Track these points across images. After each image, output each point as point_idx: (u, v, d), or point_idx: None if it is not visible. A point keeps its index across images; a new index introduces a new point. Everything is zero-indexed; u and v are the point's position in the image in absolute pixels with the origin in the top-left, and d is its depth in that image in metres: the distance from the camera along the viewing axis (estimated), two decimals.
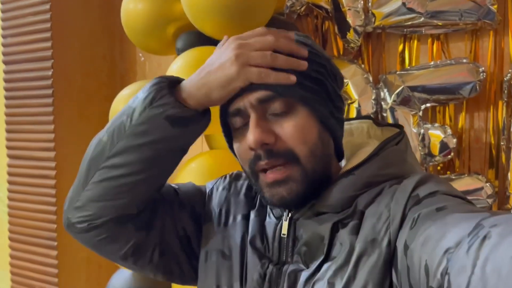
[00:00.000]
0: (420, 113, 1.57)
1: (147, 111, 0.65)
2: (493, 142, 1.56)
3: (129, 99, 0.72)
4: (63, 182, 2.04)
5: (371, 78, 1.63)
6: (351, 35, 1.64)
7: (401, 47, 1.66)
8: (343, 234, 0.62)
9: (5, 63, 2.18)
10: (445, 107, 1.61)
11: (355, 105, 1.61)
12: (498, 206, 1.54)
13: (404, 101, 1.56)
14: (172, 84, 0.67)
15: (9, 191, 2.20)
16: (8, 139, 2.20)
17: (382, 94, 1.60)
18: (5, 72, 2.18)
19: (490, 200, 1.48)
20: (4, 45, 2.19)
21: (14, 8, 2.13)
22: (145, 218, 0.72)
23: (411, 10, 1.55)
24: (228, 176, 0.81)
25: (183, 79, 0.69)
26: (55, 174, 2.04)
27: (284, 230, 0.68)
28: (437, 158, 1.54)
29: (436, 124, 1.57)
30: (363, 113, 1.60)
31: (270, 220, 0.71)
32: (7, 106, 2.19)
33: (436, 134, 1.54)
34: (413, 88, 1.55)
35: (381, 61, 1.70)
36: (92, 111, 2.15)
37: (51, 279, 2.07)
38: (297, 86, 0.62)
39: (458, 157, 1.60)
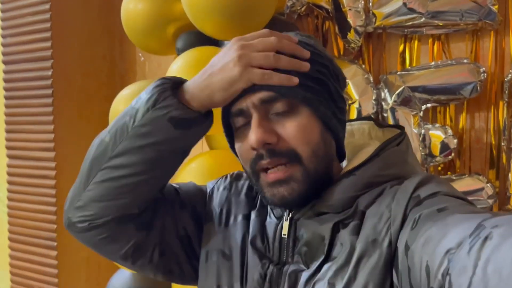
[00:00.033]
0: (421, 114, 1.57)
1: (150, 112, 0.65)
2: (493, 142, 1.56)
3: (129, 99, 0.72)
4: (63, 182, 2.04)
5: (371, 79, 1.62)
6: (351, 35, 1.63)
7: (401, 47, 1.65)
8: (344, 235, 0.62)
9: (5, 63, 2.18)
10: (445, 108, 1.61)
11: (356, 105, 1.61)
12: (498, 206, 1.53)
13: (405, 101, 1.56)
14: (175, 86, 0.67)
15: (9, 191, 2.20)
16: (7, 139, 2.19)
17: (382, 94, 1.60)
18: (5, 72, 2.18)
19: (490, 201, 1.48)
20: (3, 45, 2.18)
21: (14, 8, 2.12)
22: (146, 218, 0.72)
23: (411, 10, 1.55)
24: (229, 176, 0.81)
25: (186, 80, 0.69)
26: (55, 174, 2.04)
27: (285, 230, 0.68)
28: (438, 158, 1.54)
29: (437, 125, 1.57)
30: (364, 113, 1.60)
31: (271, 220, 0.71)
32: (7, 106, 2.18)
33: (436, 135, 1.54)
34: (413, 89, 1.55)
35: (381, 61, 1.70)
36: (92, 111, 2.15)
37: (50, 279, 2.07)
38: (300, 87, 0.62)
39: (459, 158, 1.60)
